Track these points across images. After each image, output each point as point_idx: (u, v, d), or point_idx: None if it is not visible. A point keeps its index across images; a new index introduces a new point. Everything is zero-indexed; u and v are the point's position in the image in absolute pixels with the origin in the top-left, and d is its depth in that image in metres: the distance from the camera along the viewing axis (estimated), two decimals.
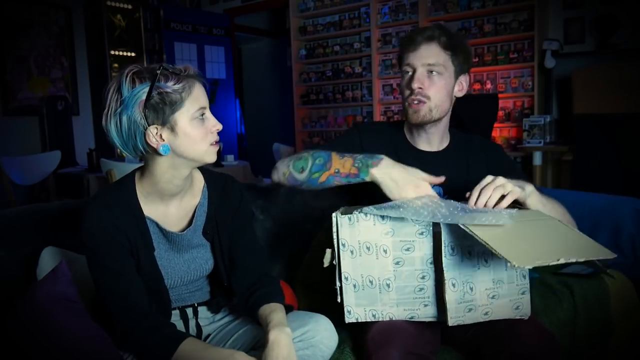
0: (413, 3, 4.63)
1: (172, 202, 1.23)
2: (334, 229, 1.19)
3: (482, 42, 4.33)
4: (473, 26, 4.35)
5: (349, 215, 1.19)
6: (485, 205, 1.20)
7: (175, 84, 1.08)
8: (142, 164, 1.20)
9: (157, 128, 1.09)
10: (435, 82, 1.41)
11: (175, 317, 1.28)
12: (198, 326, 1.31)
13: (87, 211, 1.14)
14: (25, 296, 1.14)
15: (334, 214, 1.19)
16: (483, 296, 1.19)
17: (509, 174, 1.27)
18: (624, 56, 3.67)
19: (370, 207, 1.18)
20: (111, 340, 1.16)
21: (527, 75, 4.15)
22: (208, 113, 1.15)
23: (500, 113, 4.17)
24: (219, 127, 1.16)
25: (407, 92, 1.44)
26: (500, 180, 1.21)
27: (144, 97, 1.07)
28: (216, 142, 1.16)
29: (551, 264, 1.01)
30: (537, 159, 3.80)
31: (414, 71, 1.42)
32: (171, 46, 5.55)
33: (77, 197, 3.56)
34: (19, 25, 4.89)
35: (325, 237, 1.31)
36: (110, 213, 1.14)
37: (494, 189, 1.20)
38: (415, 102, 1.42)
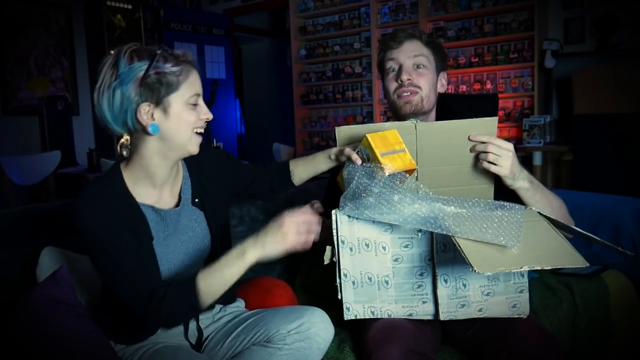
0: (413, 3, 4.63)
1: (164, 187, 1.22)
2: (334, 226, 1.19)
3: (482, 42, 4.32)
4: (473, 26, 4.35)
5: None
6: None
7: (173, 66, 1.10)
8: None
9: (149, 106, 1.10)
10: (423, 74, 1.47)
11: None
12: (199, 329, 1.30)
13: (79, 206, 1.09)
14: (24, 298, 1.14)
15: (333, 211, 1.19)
16: (477, 293, 1.19)
17: None
18: (624, 56, 3.66)
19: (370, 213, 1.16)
20: (109, 343, 1.16)
21: (527, 75, 4.15)
22: (201, 101, 1.16)
23: (500, 113, 4.16)
24: (210, 116, 1.17)
25: (394, 86, 1.48)
26: (507, 150, 1.21)
27: (140, 74, 1.07)
28: (200, 132, 1.17)
29: (514, 270, 1.00)
30: (537, 159, 3.80)
31: (401, 66, 1.47)
32: (171, 46, 5.49)
33: None
34: (19, 25, 4.89)
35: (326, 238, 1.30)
36: (104, 203, 1.10)
37: (492, 151, 1.21)
38: (407, 92, 1.46)
